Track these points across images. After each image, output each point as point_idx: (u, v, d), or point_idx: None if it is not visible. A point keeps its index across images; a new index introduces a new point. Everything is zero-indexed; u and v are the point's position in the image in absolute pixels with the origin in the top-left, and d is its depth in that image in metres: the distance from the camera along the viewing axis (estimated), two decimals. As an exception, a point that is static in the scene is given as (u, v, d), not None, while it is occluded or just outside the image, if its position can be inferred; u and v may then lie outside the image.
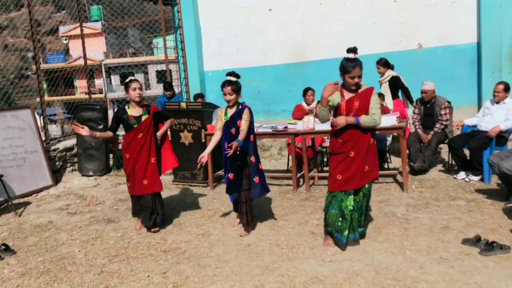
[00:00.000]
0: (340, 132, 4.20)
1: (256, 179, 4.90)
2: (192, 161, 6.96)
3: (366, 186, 4.28)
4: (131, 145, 4.99)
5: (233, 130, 4.81)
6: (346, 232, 4.24)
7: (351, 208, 4.24)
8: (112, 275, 4.06)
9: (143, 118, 4.98)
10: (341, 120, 4.13)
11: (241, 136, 4.69)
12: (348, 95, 4.22)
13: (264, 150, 9.08)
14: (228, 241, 4.70)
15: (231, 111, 4.86)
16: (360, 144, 4.18)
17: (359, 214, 4.35)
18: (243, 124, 4.74)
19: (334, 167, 4.24)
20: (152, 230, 5.08)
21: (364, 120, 4.11)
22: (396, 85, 7.82)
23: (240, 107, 4.84)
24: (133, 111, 5.01)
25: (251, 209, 4.94)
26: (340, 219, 4.25)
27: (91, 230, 5.30)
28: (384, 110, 7.12)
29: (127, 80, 5.03)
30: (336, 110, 4.28)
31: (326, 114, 4.27)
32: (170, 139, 5.39)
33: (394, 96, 7.83)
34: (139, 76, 34.44)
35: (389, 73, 7.87)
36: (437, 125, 6.78)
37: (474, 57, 9.04)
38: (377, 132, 6.04)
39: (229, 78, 4.78)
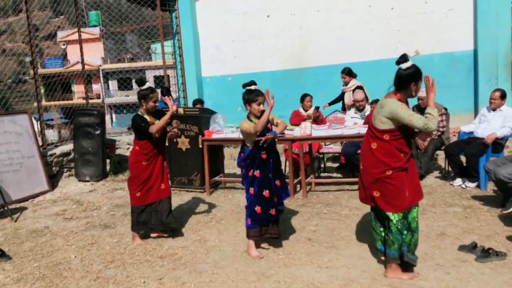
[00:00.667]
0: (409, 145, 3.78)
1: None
2: (189, 166, 6.97)
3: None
4: (152, 152, 4.85)
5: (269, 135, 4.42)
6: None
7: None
8: (107, 281, 4.04)
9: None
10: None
11: (280, 128, 4.45)
12: None
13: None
14: (225, 247, 4.69)
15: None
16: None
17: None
18: (278, 120, 4.47)
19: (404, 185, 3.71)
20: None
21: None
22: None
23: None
24: (148, 117, 4.83)
25: None
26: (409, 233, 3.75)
27: (87, 235, 5.28)
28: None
29: (145, 87, 4.75)
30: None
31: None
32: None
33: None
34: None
35: (354, 83, 7.97)
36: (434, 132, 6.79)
37: (470, 64, 9.10)
38: (345, 141, 5.96)
39: (253, 87, 4.38)
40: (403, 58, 3.74)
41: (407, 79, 3.71)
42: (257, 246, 4.54)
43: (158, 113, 4.89)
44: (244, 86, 4.44)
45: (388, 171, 3.66)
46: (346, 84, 8.14)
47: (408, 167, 3.73)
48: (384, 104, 3.72)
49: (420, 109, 6.97)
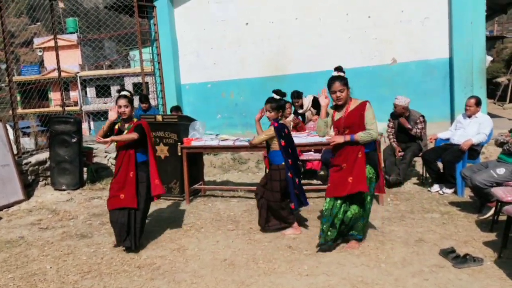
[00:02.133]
0: (336, 148, 4.49)
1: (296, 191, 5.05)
2: (168, 174, 6.90)
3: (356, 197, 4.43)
4: (117, 157, 4.98)
5: (282, 142, 5.01)
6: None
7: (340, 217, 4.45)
8: (84, 292, 3.96)
9: (125, 132, 4.90)
10: (339, 139, 4.36)
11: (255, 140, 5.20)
12: (337, 114, 4.48)
13: (241, 163, 9.06)
14: (204, 256, 4.64)
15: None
16: (349, 156, 4.37)
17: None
18: (262, 134, 5.12)
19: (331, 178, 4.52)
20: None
21: (360, 136, 4.29)
22: (318, 104, 8.00)
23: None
24: (122, 125, 4.98)
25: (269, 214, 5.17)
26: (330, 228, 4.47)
27: (63, 245, 5.18)
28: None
29: (118, 95, 4.96)
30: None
31: (322, 126, 4.52)
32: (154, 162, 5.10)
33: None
34: (116, 89, 34.15)
35: (308, 99, 8.02)
36: (414, 130, 6.85)
37: (446, 71, 9.25)
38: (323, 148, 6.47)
39: (273, 95, 5.04)
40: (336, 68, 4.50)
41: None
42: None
43: (136, 129, 4.92)
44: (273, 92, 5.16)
45: None
46: (300, 107, 8.11)
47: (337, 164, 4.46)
48: None
49: (395, 116, 7.06)
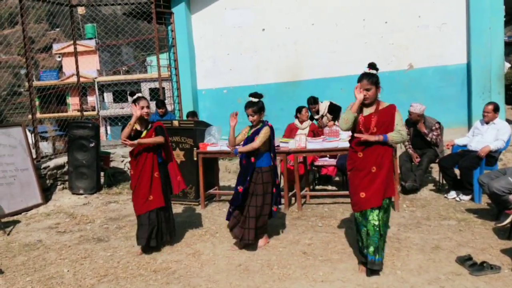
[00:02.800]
0: (360, 145, 4.12)
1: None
2: (184, 179, 6.93)
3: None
4: (134, 161, 4.99)
5: (274, 142, 5.02)
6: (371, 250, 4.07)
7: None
8: (100, 295, 4.01)
9: (143, 134, 4.95)
10: (371, 138, 4.02)
11: (246, 148, 4.88)
12: (366, 110, 4.14)
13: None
14: (219, 260, 4.66)
15: (253, 130, 4.97)
16: (380, 158, 4.08)
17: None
18: (257, 139, 4.85)
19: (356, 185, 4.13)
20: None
21: (392, 136, 4.03)
22: (334, 109, 7.99)
23: (263, 125, 4.94)
24: (138, 126, 5.01)
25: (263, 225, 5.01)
26: (366, 236, 4.09)
27: (81, 249, 5.24)
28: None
29: (135, 97, 4.98)
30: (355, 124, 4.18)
31: (351, 118, 4.10)
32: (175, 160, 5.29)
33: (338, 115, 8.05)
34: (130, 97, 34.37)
35: (324, 104, 7.99)
36: (430, 135, 6.80)
37: (464, 77, 9.16)
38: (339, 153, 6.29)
39: (251, 99, 4.90)
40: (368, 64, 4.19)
41: None
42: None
43: (157, 130, 5.01)
44: (250, 95, 4.96)
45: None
46: (317, 112, 8.11)
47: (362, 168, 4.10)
48: None
49: (410, 123, 7.00)
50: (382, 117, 4.08)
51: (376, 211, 4.03)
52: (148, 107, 4.94)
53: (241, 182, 4.94)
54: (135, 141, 4.82)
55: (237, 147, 4.97)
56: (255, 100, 4.88)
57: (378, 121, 4.07)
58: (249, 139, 4.94)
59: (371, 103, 4.13)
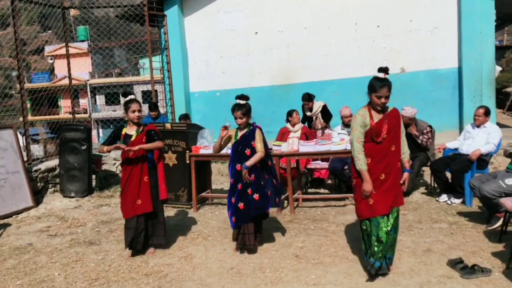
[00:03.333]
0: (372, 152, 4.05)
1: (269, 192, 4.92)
2: (176, 182, 6.93)
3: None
4: (125, 164, 4.93)
5: (247, 151, 4.85)
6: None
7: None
8: (92, 299, 3.99)
9: (133, 138, 4.88)
10: (406, 176, 4.14)
11: (254, 159, 4.76)
12: (376, 116, 4.06)
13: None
14: (211, 264, 4.65)
15: (241, 132, 4.91)
16: (391, 167, 4.05)
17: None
18: (258, 146, 4.80)
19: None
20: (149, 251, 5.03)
21: (407, 156, 4.20)
22: (325, 111, 8.04)
23: (251, 127, 4.91)
24: (129, 129, 4.95)
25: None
26: (376, 243, 4.02)
27: (72, 252, 5.21)
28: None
29: (127, 99, 4.93)
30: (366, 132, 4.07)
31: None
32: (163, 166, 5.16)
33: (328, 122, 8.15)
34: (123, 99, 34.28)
35: (318, 104, 8.03)
36: (421, 138, 6.83)
37: (455, 81, 9.23)
38: (331, 156, 6.30)
39: (238, 101, 4.86)
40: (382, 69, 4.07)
41: (367, 89, 4.10)
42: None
43: (150, 134, 4.95)
44: (237, 97, 4.95)
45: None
46: (310, 109, 8.14)
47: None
48: None
49: (404, 127, 7.01)
50: (391, 122, 4.04)
51: (386, 217, 4.02)
52: (139, 110, 4.90)
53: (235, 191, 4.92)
54: (136, 147, 4.74)
55: (245, 163, 4.77)
56: (243, 102, 4.85)
57: (388, 127, 4.01)
58: (240, 143, 4.88)
59: (382, 110, 4.08)
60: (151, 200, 4.92)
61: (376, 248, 4.00)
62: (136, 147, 4.74)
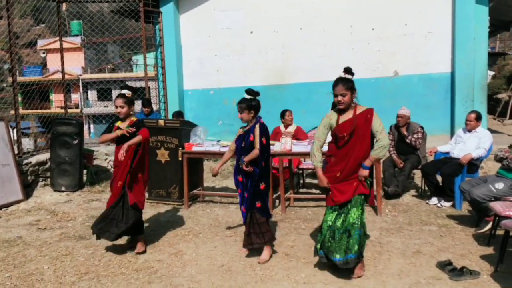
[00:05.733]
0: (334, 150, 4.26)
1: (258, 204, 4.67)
2: (168, 179, 6.93)
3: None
4: (116, 156, 4.90)
5: (243, 144, 4.70)
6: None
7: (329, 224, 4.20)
8: (81, 293, 3.97)
9: (124, 127, 4.88)
10: (364, 172, 4.13)
11: (251, 154, 4.59)
12: (345, 117, 4.15)
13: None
14: (202, 261, 4.65)
15: (247, 127, 4.74)
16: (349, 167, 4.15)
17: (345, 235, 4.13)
18: (255, 142, 4.62)
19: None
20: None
21: (375, 154, 4.09)
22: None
23: (254, 122, 4.71)
24: (122, 124, 4.95)
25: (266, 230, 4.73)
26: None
27: (61, 246, 5.18)
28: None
29: (117, 94, 4.93)
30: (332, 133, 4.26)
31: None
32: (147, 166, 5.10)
33: None
34: (117, 93, 34.11)
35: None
36: (409, 138, 6.89)
37: (448, 86, 9.30)
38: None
39: (245, 95, 4.68)
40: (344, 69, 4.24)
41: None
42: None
43: (136, 125, 4.91)
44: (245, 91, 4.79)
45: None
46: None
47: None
48: None
49: (398, 128, 7.09)
50: (359, 122, 4.11)
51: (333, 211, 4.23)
52: (122, 106, 4.84)
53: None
54: (125, 145, 4.72)
55: (243, 157, 4.64)
56: (248, 96, 4.67)
57: (354, 128, 4.09)
58: (242, 137, 4.73)
59: (345, 108, 4.17)
60: (135, 194, 4.89)
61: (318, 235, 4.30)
62: (125, 146, 4.71)
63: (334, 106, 4.40)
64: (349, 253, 4.00)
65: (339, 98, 4.10)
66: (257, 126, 4.65)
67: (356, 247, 4.01)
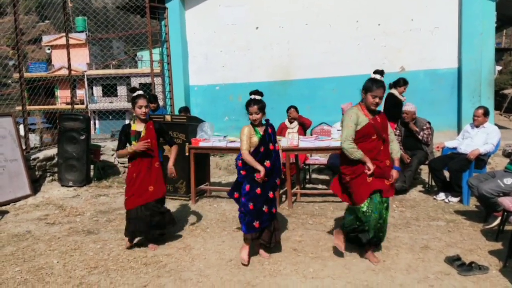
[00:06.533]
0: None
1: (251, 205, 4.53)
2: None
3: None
4: (133, 159, 4.87)
5: (271, 146, 4.60)
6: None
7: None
8: (91, 287, 4.00)
9: (142, 134, 4.84)
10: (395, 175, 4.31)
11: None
12: (368, 116, 4.26)
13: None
14: (210, 255, 4.67)
15: (261, 129, 4.61)
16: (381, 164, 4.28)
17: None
18: (278, 148, 4.70)
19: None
20: (150, 246, 4.93)
21: (398, 155, 4.44)
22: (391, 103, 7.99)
23: (267, 124, 4.67)
24: (137, 126, 4.89)
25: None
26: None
27: (70, 241, 5.21)
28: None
29: (135, 94, 4.86)
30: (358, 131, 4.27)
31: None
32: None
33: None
34: (122, 88, 34.23)
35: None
36: (421, 134, 6.88)
37: (454, 81, 9.28)
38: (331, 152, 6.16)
39: (253, 97, 4.62)
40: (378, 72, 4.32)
41: (362, 89, 4.30)
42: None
43: (159, 130, 4.97)
44: (251, 93, 4.70)
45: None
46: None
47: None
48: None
49: (404, 124, 7.08)
50: (381, 124, 4.30)
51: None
52: (146, 106, 4.84)
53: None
54: (170, 168, 4.98)
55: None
56: (258, 97, 4.63)
57: (379, 128, 4.25)
58: (268, 139, 4.57)
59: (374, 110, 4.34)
60: (164, 184, 4.97)
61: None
62: (170, 168, 4.99)
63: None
64: None
65: (378, 100, 4.23)
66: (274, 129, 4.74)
67: None
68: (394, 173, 4.30)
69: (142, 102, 4.82)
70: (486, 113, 6.43)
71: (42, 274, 4.28)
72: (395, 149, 4.42)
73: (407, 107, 7.01)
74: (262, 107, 4.61)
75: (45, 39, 36.44)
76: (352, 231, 4.40)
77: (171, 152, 5.12)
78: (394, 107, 7.30)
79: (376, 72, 4.28)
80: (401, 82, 7.57)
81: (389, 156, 4.33)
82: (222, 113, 10.80)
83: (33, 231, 5.61)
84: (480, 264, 4.06)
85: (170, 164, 5.01)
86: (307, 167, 7.89)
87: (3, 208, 6.73)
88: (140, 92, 4.91)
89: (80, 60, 33.54)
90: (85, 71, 34.64)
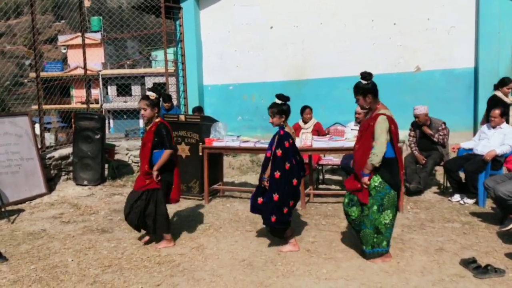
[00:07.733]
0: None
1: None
2: (188, 174, 6.96)
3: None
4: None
5: (268, 153, 4.75)
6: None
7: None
8: (105, 285, 4.02)
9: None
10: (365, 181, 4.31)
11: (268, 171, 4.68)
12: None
13: (260, 166, 9.05)
14: (223, 255, 4.67)
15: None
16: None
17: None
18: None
19: None
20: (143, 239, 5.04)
21: (368, 161, 4.20)
22: None
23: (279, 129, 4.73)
24: (148, 126, 4.96)
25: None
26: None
27: (85, 239, 5.26)
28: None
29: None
30: None
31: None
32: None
33: None
34: (137, 88, 34.46)
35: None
36: (436, 136, 6.82)
37: (471, 81, 9.16)
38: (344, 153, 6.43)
39: (275, 100, 4.71)
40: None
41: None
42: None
43: (157, 134, 4.86)
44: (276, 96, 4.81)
45: None
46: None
47: None
48: None
49: (418, 125, 7.01)
50: (363, 126, 4.37)
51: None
52: (144, 109, 4.80)
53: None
54: (154, 174, 4.78)
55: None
56: (278, 101, 4.68)
57: (360, 129, 4.36)
58: (269, 145, 4.82)
59: (367, 112, 4.40)
60: (143, 182, 4.83)
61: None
62: (154, 174, 4.77)
63: None
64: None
65: (358, 109, 4.45)
66: (277, 137, 4.75)
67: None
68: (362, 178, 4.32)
69: (140, 103, 4.84)
70: (503, 114, 6.34)
71: (56, 272, 4.32)
72: (371, 154, 4.18)
73: (416, 110, 6.93)
74: (277, 111, 4.68)
75: (61, 38, 36.81)
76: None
77: (161, 157, 4.81)
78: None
79: (361, 76, 4.29)
80: (505, 81, 7.42)
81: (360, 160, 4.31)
82: (236, 113, 10.79)
83: (48, 230, 5.67)
84: (496, 267, 4.01)
85: (155, 167, 4.78)
86: (320, 167, 7.86)
87: (19, 206, 6.82)
88: (148, 93, 4.90)
89: (95, 59, 33.81)
90: (100, 71, 34.94)
